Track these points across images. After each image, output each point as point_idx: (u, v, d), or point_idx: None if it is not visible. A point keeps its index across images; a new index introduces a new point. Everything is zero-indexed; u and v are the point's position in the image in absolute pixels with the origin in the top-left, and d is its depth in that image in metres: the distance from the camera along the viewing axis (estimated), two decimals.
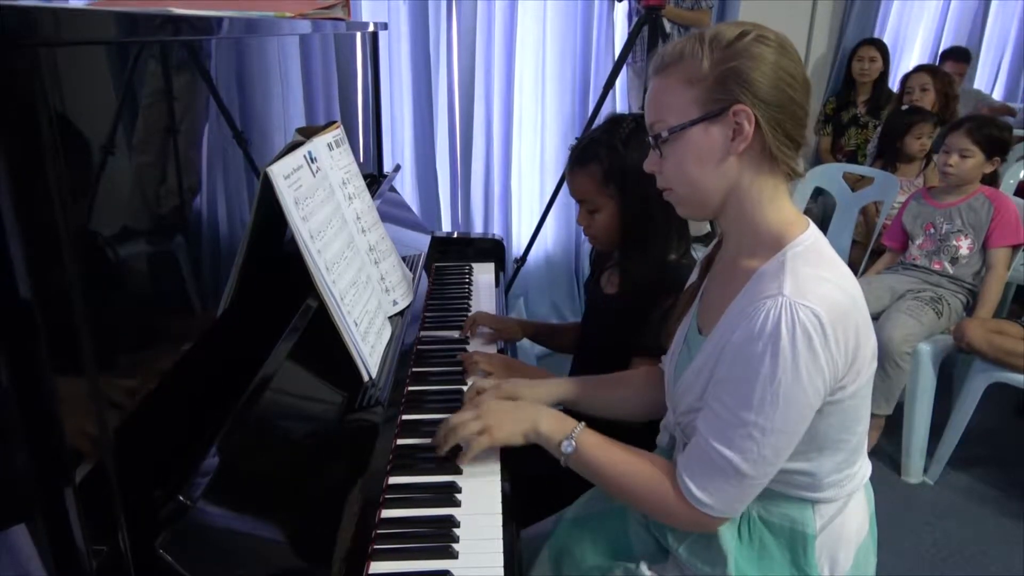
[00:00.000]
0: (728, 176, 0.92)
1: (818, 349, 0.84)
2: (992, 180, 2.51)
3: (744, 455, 0.88)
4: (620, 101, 3.41)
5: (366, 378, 1.12)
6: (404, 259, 1.52)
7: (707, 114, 0.90)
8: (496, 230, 3.31)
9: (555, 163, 3.32)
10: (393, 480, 1.07)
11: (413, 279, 1.51)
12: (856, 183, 2.98)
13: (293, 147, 1.12)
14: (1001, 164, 2.46)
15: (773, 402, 0.85)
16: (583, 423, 1.05)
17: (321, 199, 1.13)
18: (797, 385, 0.85)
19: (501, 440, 1.07)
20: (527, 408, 1.10)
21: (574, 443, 1.02)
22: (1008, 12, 4.50)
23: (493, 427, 1.06)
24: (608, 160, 1.32)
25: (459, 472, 1.08)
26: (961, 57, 4.01)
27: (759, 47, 0.88)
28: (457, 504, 1.02)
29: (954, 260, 2.45)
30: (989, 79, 4.64)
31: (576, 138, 1.43)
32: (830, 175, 2.97)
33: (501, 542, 0.97)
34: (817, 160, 3.80)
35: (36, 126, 0.51)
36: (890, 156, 3.09)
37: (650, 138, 0.96)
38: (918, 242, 2.55)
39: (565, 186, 1.45)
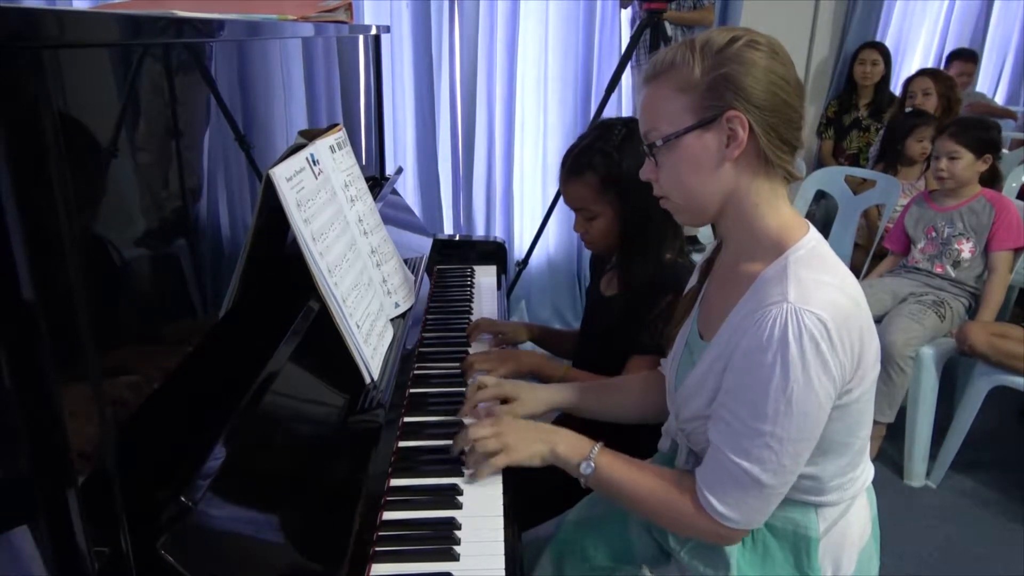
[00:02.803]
0: (724, 182, 0.92)
1: (826, 354, 0.84)
2: (992, 179, 2.50)
3: (763, 466, 0.88)
4: (626, 103, 3.41)
5: (368, 380, 1.12)
6: (406, 261, 1.52)
7: (700, 121, 0.90)
8: (498, 233, 3.31)
9: (557, 166, 3.31)
10: (395, 482, 1.07)
11: (415, 281, 1.51)
12: (858, 186, 2.98)
13: (295, 149, 1.12)
14: (995, 161, 2.45)
15: (787, 411, 0.85)
16: (600, 443, 1.05)
17: (323, 201, 1.14)
18: (809, 392, 0.85)
19: (518, 460, 1.06)
20: (545, 430, 1.09)
21: (593, 464, 1.02)
22: (1011, 15, 4.48)
23: (511, 447, 1.06)
24: (604, 168, 1.32)
25: (461, 475, 1.08)
26: (969, 57, 3.99)
27: (750, 52, 0.88)
28: (459, 506, 1.02)
29: (956, 263, 2.45)
30: (991, 82, 4.63)
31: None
32: (832, 178, 2.98)
33: (503, 544, 0.96)
34: (819, 163, 3.80)
35: (39, 128, 0.51)
36: (891, 159, 3.09)
37: (645, 147, 0.96)
38: (920, 245, 2.54)
39: None
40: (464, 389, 1.32)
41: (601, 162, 1.32)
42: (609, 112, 2.86)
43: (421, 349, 1.50)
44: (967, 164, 2.39)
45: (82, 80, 0.62)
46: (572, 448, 1.05)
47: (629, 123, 1.34)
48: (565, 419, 1.35)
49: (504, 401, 1.22)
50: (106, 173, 0.67)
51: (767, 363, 0.85)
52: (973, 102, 3.82)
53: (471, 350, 1.50)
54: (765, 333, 0.85)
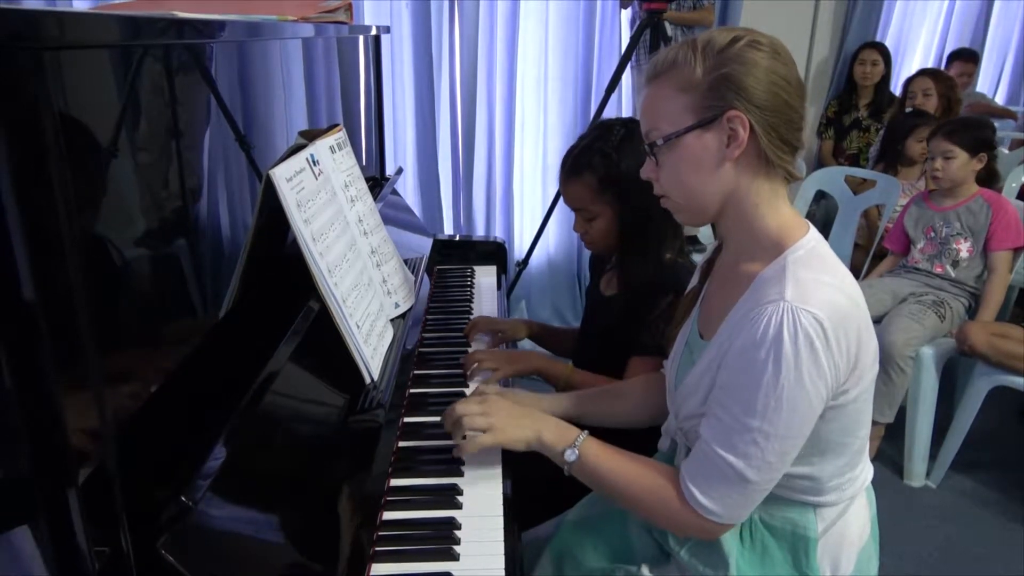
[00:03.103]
0: (725, 182, 0.92)
1: (820, 354, 0.84)
2: (990, 179, 2.50)
3: (748, 461, 0.88)
4: (626, 103, 3.41)
5: (368, 380, 1.12)
6: (406, 262, 1.52)
7: (701, 121, 0.90)
8: (498, 233, 3.31)
9: (557, 166, 3.31)
10: (395, 482, 1.07)
11: (415, 282, 1.51)
12: (858, 186, 2.98)
13: (296, 150, 1.12)
14: (990, 161, 2.45)
15: (777, 408, 0.85)
16: (586, 432, 1.05)
17: (323, 202, 1.14)
18: (800, 390, 0.85)
19: (504, 442, 1.07)
20: (532, 416, 1.10)
21: (577, 452, 1.02)
22: (1011, 15, 4.47)
23: (498, 427, 1.06)
24: (603, 168, 1.32)
25: (460, 475, 1.09)
26: (969, 57, 3.99)
27: (752, 52, 0.88)
28: (458, 506, 1.03)
29: (955, 263, 2.45)
30: (992, 82, 4.63)
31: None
32: (832, 178, 2.98)
33: (502, 544, 0.97)
34: (819, 163, 3.80)
35: (40, 128, 0.52)
36: (891, 159, 3.09)
37: (646, 146, 0.96)
38: (919, 245, 2.54)
39: None
40: (465, 389, 1.32)
41: (600, 162, 1.32)
42: (609, 112, 2.86)
43: (421, 349, 1.50)
44: (962, 164, 2.39)
45: (82, 81, 0.62)
46: (558, 435, 1.05)
47: (628, 123, 1.34)
48: None
49: None
50: (106, 173, 0.68)
51: (760, 359, 0.85)
52: (973, 102, 3.82)
53: (471, 350, 1.50)
54: (760, 330, 0.85)
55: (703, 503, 0.92)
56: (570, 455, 1.03)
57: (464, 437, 1.09)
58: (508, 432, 1.06)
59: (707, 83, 0.89)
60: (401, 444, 1.16)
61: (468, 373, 1.38)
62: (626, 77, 3.09)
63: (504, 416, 1.08)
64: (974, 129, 2.40)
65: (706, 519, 0.93)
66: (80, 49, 0.62)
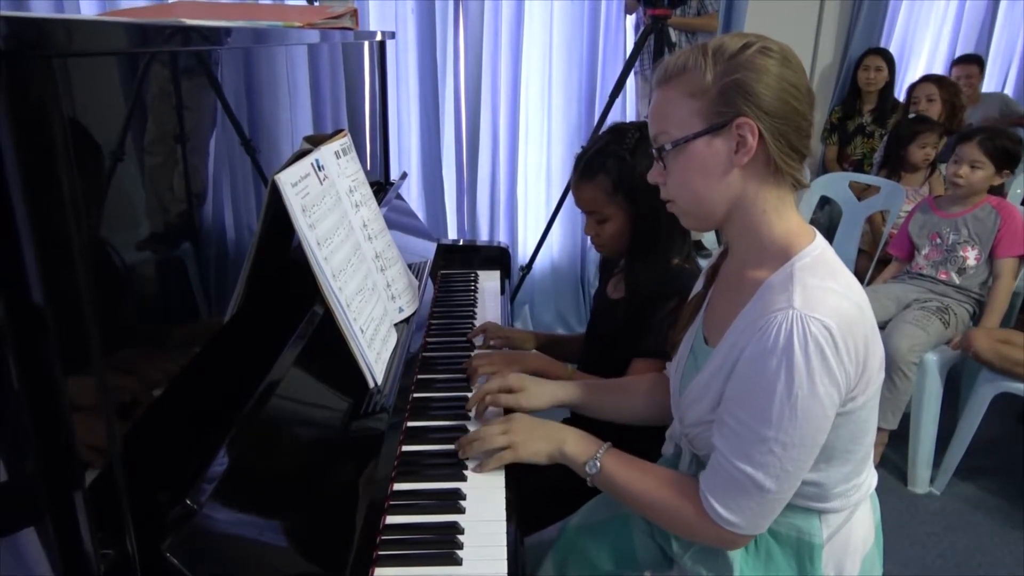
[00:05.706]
0: (732, 188, 0.92)
1: (831, 361, 0.84)
2: (997, 190, 2.50)
3: (766, 471, 0.88)
4: (630, 108, 3.42)
5: (372, 385, 1.12)
6: (410, 266, 1.52)
7: (710, 127, 0.90)
8: (502, 238, 3.32)
9: (561, 171, 3.33)
10: (398, 487, 1.07)
11: (419, 286, 1.51)
12: (862, 192, 2.98)
13: (301, 155, 1.13)
14: (1009, 177, 2.44)
15: (792, 417, 0.85)
16: (608, 444, 1.06)
17: (328, 206, 1.14)
18: (814, 398, 0.85)
19: (525, 457, 1.07)
20: (553, 428, 1.10)
21: (599, 464, 1.03)
22: (1016, 19, 4.47)
23: (519, 443, 1.07)
24: (617, 171, 1.32)
25: (464, 479, 1.09)
26: (970, 61, 3.98)
27: (762, 59, 0.88)
28: (461, 511, 1.03)
29: (961, 270, 2.45)
30: (997, 87, 4.61)
31: (582, 147, 1.43)
32: (836, 184, 2.98)
33: (505, 549, 0.97)
34: (823, 169, 3.79)
35: (49, 134, 0.52)
36: (894, 165, 3.09)
37: (653, 150, 0.96)
38: (924, 252, 2.54)
39: (571, 194, 1.46)
40: (468, 394, 1.32)
41: (614, 165, 1.32)
42: (613, 118, 2.86)
43: (424, 354, 1.50)
44: (987, 176, 2.38)
45: (91, 87, 0.63)
46: (580, 448, 1.06)
47: (643, 127, 1.34)
48: (574, 421, 1.36)
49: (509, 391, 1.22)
50: (114, 178, 0.68)
51: (771, 369, 0.85)
52: (1008, 113, 3.76)
53: (474, 354, 1.50)
54: (770, 339, 0.85)
55: (724, 515, 0.92)
56: (592, 467, 1.04)
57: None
58: (530, 446, 1.07)
59: (717, 89, 0.89)
60: (404, 448, 1.16)
61: (471, 380, 1.38)
62: (630, 83, 3.10)
63: (525, 432, 1.09)
64: (1008, 143, 2.38)
65: (727, 530, 0.93)
66: (88, 56, 0.62)
